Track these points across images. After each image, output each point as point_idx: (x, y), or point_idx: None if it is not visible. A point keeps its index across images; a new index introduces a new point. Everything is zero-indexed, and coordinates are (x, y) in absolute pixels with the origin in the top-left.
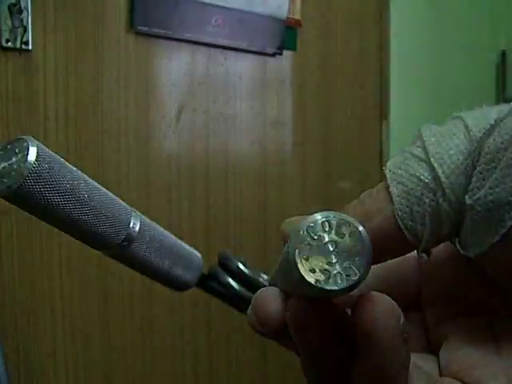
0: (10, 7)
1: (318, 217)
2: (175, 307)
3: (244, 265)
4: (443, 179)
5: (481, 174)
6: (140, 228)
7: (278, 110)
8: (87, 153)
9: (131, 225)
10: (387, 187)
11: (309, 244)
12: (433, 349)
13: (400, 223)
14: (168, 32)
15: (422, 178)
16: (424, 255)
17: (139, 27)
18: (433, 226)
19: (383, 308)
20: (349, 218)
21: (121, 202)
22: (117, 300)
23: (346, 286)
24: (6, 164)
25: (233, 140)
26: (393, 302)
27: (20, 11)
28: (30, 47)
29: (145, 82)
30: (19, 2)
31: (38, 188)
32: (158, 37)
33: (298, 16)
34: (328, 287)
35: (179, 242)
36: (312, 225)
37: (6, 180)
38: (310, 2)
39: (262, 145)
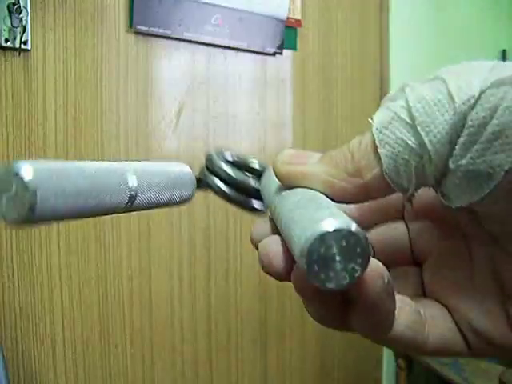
0: (9, 7)
1: (329, 228)
2: (175, 306)
3: (229, 162)
4: (429, 147)
5: (464, 144)
6: (138, 183)
7: (278, 109)
8: (87, 153)
9: (130, 185)
10: (375, 147)
11: (318, 252)
12: (416, 260)
13: (389, 181)
14: (167, 32)
15: (408, 142)
16: (408, 204)
17: (138, 27)
18: (418, 183)
19: (371, 272)
20: (355, 229)
21: (115, 166)
22: (117, 300)
23: (347, 283)
24: (9, 195)
25: (233, 140)
26: (379, 264)
27: (19, 11)
28: (29, 47)
29: (144, 82)
30: (18, 2)
31: (44, 206)
32: (158, 36)
33: (298, 16)
34: (332, 286)
35: (170, 169)
36: (323, 238)
37: (13, 210)
38: (309, 2)
39: (261, 145)
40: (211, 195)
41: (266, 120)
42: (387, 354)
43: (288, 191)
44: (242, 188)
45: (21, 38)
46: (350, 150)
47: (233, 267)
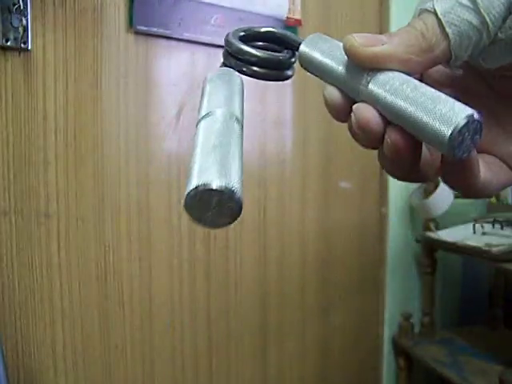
0: (10, 7)
1: (467, 117)
2: (175, 306)
3: (250, 41)
4: (490, 25)
5: None
6: None
7: (278, 109)
8: (87, 153)
9: None
10: (442, 28)
11: (459, 135)
12: None
13: (453, 53)
14: (167, 32)
15: (473, 22)
16: (457, 69)
17: (138, 27)
18: (473, 54)
19: None
20: (477, 116)
21: None
22: (117, 300)
23: (468, 154)
24: (214, 209)
25: None
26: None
27: (19, 11)
28: (30, 47)
29: (144, 82)
30: (19, 2)
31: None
32: (158, 36)
33: (298, 16)
34: (463, 155)
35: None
36: (463, 126)
37: (222, 218)
38: (309, 2)
39: (261, 145)
40: None
41: (266, 120)
42: (387, 354)
43: (380, 74)
44: (273, 65)
45: (21, 38)
46: (419, 31)
47: (233, 268)
